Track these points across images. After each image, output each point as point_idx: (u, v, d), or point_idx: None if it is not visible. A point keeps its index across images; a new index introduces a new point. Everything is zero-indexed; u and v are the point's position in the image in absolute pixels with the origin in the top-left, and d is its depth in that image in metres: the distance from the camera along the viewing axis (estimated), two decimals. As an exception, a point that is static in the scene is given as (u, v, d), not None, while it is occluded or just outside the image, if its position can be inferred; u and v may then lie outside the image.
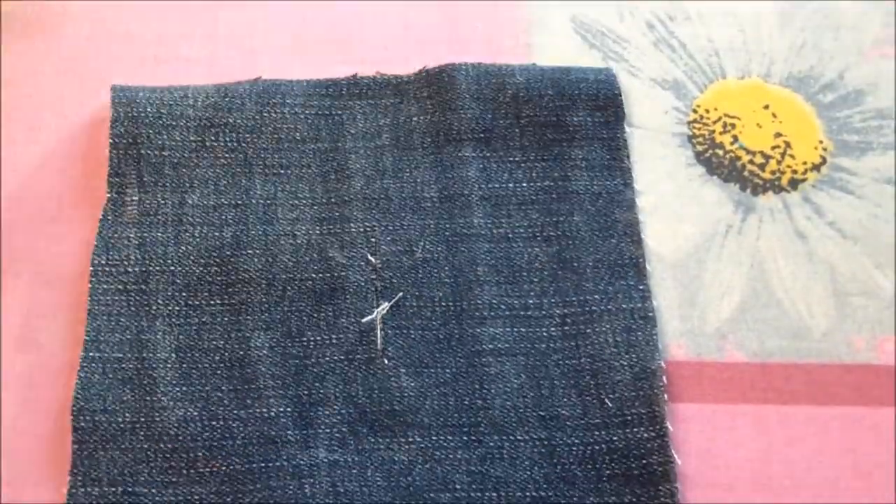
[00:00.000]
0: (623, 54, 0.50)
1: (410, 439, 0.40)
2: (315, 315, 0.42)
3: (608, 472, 0.40)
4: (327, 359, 0.41)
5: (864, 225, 0.47)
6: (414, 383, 0.41)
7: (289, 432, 0.40)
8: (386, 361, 0.41)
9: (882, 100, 0.50)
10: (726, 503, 0.40)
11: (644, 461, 0.40)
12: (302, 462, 0.39)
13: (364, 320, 0.42)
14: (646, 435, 0.40)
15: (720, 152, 0.48)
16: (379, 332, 0.42)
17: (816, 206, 0.47)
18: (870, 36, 0.52)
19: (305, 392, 0.41)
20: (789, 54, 0.51)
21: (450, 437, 0.40)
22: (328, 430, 0.40)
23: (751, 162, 0.48)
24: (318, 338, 0.42)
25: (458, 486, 0.39)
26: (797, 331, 0.44)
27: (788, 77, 0.50)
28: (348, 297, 0.43)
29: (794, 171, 0.48)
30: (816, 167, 0.48)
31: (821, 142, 0.49)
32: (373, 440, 0.40)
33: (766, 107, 0.49)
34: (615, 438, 0.40)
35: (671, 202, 0.47)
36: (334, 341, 0.42)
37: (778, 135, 0.49)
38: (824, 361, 0.43)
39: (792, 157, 0.48)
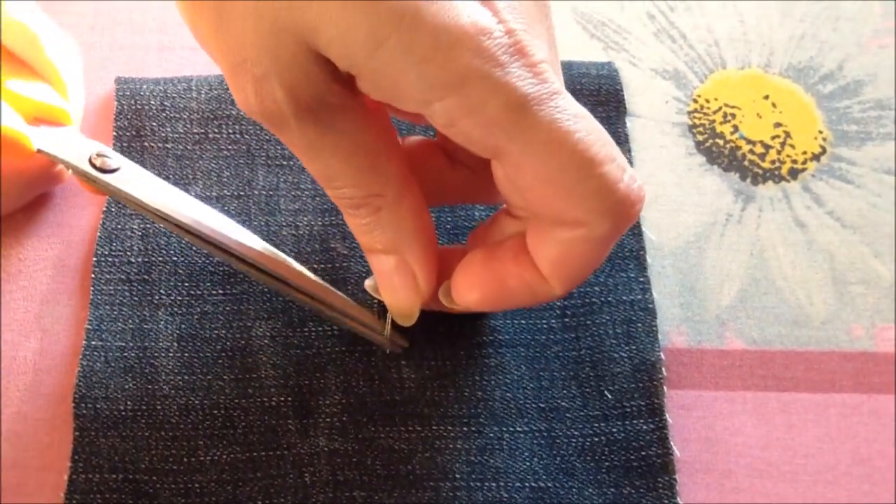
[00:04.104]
0: (624, 45, 0.49)
1: (410, 428, 0.38)
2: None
3: (607, 463, 0.38)
4: (328, 349, 0.40)
5: (864, 214, 0.45)
6: (414, 374, 0.39)
7: (289, 421, 0.38)
8: (387, 351, 0.40)
9: (881, 90, 0.48)
10: (725, 489, 0.39)
11: (643, 453, 0.38)
12: (302, 451, 0.38)
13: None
14: (645, 427, 0.39)
15: (720, 142, 0.46)
16: (385, 321, 0.40)
17: (816, 195, 0.45)
18: (869, 27, 0.50)
19: (306, 382, 0.39)
20: (789, 45, 0.49)
21: (449, 428, 0.38)
22: (328, 420, 0.38)
23: (751, 152, 0.46)
24: (320, 328, 0.40)
25: (457, 476, 0.38)
26: (797, 319, 0.42)
27: (788, 67, 0.49)
28: (349, 287, 0.41)
29: (794, 161, 0.46)
30: (816, 157, 0.46)
31: (820, 132, 0.47)
32: (373, 429, 0.38)
33: (766, 97, 0.48)
34: (614, 430, 0.39)
35: (672, 191, 0.45)
36: (335, 331, 0.40)
37: (778, 125, 0.47)
38: (824, 349, 0.42)
39: (792, 146, 0.46)
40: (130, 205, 0.38)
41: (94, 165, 0.38)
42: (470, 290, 0.35)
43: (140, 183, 0.38)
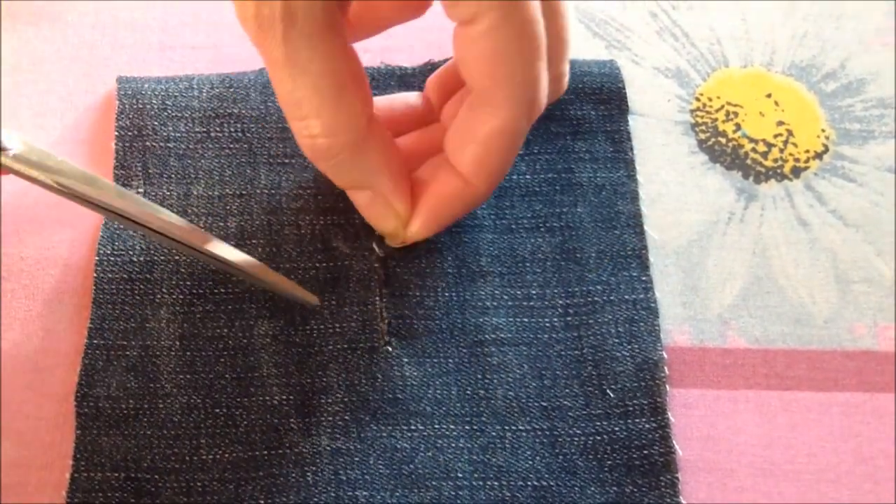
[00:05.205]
0: (626, 43, 0.48)
1: (413, 427, 0.38)
2: (318, 304, 0.40)
3: (609, 462, 0.38)
4: (330, 347, 0.39)
5: (866, 213, 0.45)
6: (417, 372, 0.39)
7: (291, 420, 0.38)
8: (389, 349, 0.39)
9: (884, 89, 0.48)
10: (727, 488, 0.39)
11: (645, 451, 0.38)
12: (304, 450, 0.38)
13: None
14: (647, 426, 0.39)
15: (723, 140, 0.46)
16: (382, 321, 0.40)
17: (818, 193, 0.45)
18: (871, 25, 0.50)
19: (308, 380, 0.39)
20: (791, 43, 0.49)
21: (452, 426, 0.38)
22: (331, 418, 0.38)
23: (753, 150, 0.46)
24: (322, 327, 0.40)
25: (459, 475, 0.37)
26: (799, 317, 0.42)
27: (791, 66, 0.48)
28: (351, 286, 0.41)
29: (797, 160, 0.46)
30: (818, 155, 0.46)
31: (823, 130, 0.47)
32: (375, 428, 0.38)
33: (769, 95, 0.47)
34: (617, 429, 0.39)
35: (674, 190, 0.45)
36: (337, 330, 0.40)
37: (780, 123, 0.47)
38: (826, 348, 0.42)
39: (794, 145, 0.46)
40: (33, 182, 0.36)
41: None
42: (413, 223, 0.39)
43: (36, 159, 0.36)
